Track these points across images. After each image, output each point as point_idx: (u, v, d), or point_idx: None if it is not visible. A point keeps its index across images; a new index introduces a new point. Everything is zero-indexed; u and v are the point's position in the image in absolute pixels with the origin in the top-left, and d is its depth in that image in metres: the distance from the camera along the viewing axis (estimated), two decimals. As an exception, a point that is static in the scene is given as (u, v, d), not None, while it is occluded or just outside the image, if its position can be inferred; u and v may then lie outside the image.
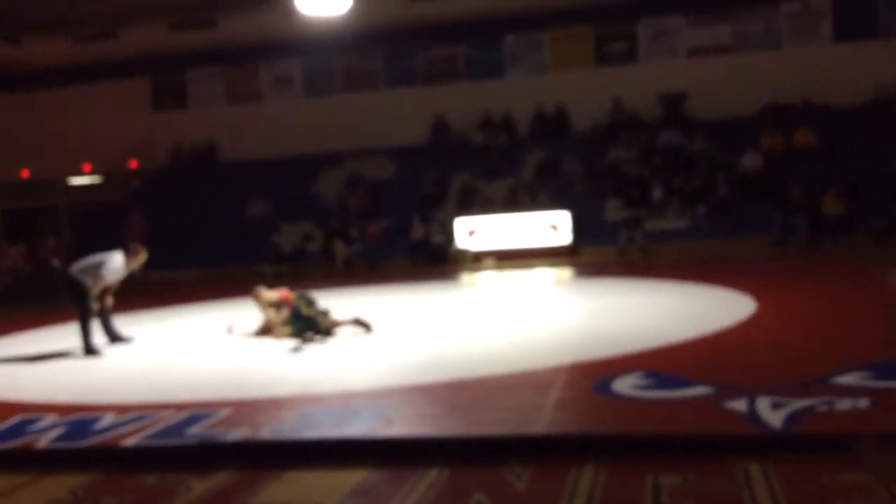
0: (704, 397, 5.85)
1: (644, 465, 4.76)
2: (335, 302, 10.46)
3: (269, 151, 23.16)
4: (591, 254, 18.52)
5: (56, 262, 20.22)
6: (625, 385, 6.36)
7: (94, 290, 9.91)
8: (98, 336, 10.14)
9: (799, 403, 5.45)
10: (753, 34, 21.77)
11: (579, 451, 5.02)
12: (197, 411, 6.49)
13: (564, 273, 16.53)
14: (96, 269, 9.91)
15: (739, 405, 5.52)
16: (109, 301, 10.33)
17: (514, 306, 11.94)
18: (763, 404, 5.48)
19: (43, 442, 6.06)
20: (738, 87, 20.78)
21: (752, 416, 5.32)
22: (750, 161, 19.51)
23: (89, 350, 9.85)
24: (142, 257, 10.33)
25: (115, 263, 10.00)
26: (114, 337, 10.43)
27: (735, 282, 11.73)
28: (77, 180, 24.62)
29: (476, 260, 19.15)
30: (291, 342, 9.61)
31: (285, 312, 10.06)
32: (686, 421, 5.41)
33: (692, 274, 13.38)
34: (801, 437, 4.96)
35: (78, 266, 10.06)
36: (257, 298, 10.35)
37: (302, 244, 20.90)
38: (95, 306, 10.02)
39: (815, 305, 9.90)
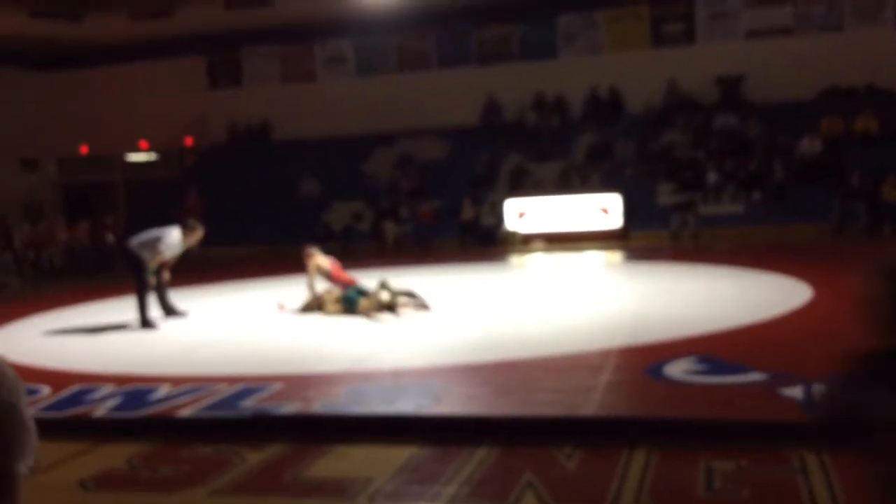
0: (759, 384, 5.77)
1: (697, 450, 4.71)
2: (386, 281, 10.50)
3: (322, 131, 23.26)
4: (642, 238, 18.32)
5: (111, 238, 20.61)
6: (677, 370, 6.29)
7: (152, 264, 10.11)
8: (154, 309, 10.33)
9: (857, 392, 5.34)
10: (815, 16, 21.21)
11: (631, 434, 4.98)
12: (250, 385, 6.59)
13: (614, 257, 16.39)
14: (154, 243, 10.10)
15: (795, 393, 5.43)
16: (166, 276, 10.51)
17: (563, 289, 11.87)
18: (819, 392, 5.37)
19: (100, 411, 6.21)
20: (797, 69, 20.28)
21: (809, 403, 5.23)
22: (808, 146, 19.09)
23: (145, 323, 10.04)
24: (199, 234, 10.48)
25: (173, 239, 10.18)
26: (169, 310, 10.61)
27: (791, 269, 11.51)
28: (134, 157, 25.01)
29: (525, 242, 19.07)
30: (340, 318, 9.71)
31: (336, 291, 10.13)
32: (740, 407, 5.34)
33: (746, 260, 13.16)
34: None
35: (137, 240, 10.26)
36: (308, 259, 10.40)
37: (352, 223, 21.02)
38: (152, 280, 10.21)
39: (873, 294, 9.66)
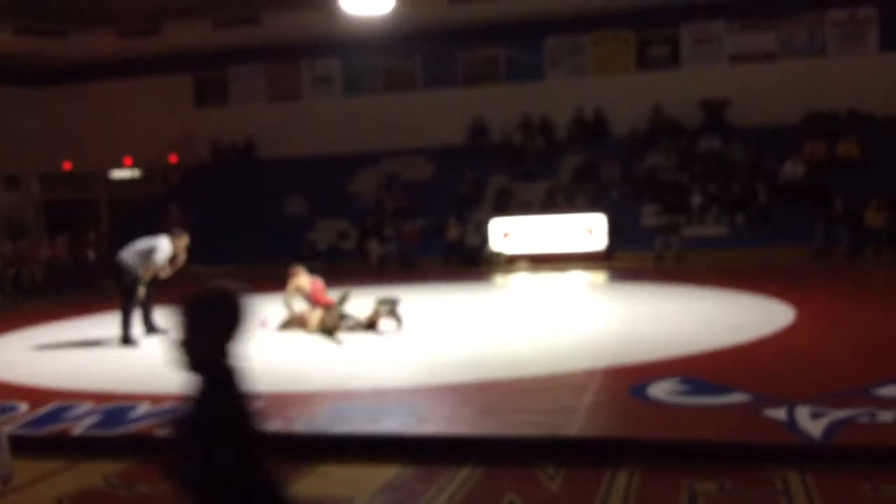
0: (742, 405, 5.76)
1: (680, 470, 4.70)
2: (368, 300, 10.47)
3: (308, 149, 23.25)
4: (627, 259, 18.37)
5: (92, 255, 20.46)
6: (661, 390, 6.28)
7: (146, 276, 10.15)
8: (136, 326, 10.25)
9: (839, 413, 5.35)
10: (798, 41, 21.46)
11: (614, 454, 4.96)
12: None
13: (599, 277, 16.42)
14: (147, 255, 10.18)
15: (778, 414, 5.43)
16: (141, 293, 10.41)
17: (547, 309, 11.87)
18: (802, 414, 5.38)
19: (79, 429, 6.13)
20: (780, 94, 20.49)
21: (792, 425, 5.23)
22: (791, 169, 19.23)
23: (126, 339, 9.97)
24: (184, 240, 10.60)
25: (164, 249, 10.25)
26: (151, 328, 10.54)
27: (774, 290, 11.56)
28: (118, 173, 24.90)
29: (510, 262, 19.08)
30: (322, 337, 9.67)
31: (318, 311, 10.10)
32: (723, 428, 5.33)
33: (730, 282, 13.21)
34: (841, 447, 4.86)
35: (128, 253, 10.26)
36: (293, 276, 10.40)
37: (337, 242, 20.97)
38: (142, 292, 10.19)
39: (855, 316, 9.72)
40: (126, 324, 10.03)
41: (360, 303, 10.29)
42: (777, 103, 20.32)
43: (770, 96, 20.47)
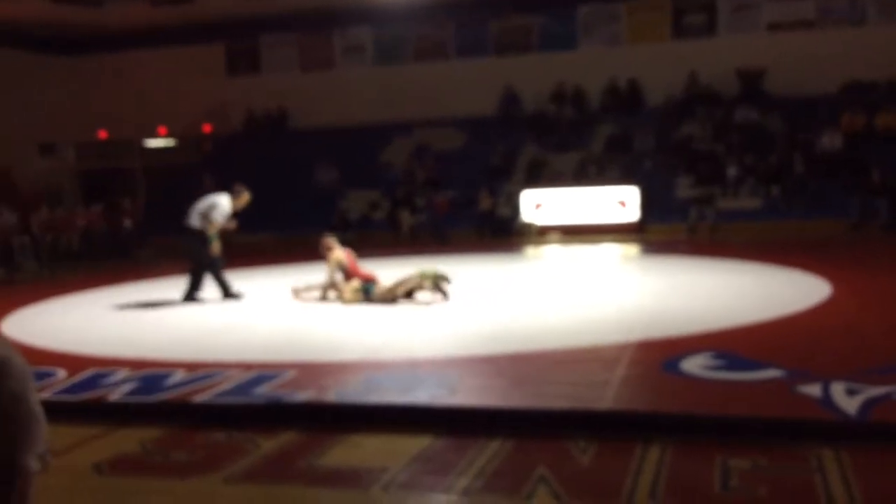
0: (776, 380, 5.71)
1: (713, 446, 4.67)
2: (401, 271, 10.49)
3: (339, 119, 23.23)
4: (660, 231, 18.22)
5: (128, 223, 20.69)
6: (694, 365, 6.24)
7: (212, 232, 10.34)
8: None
9: (875, 390, 5.29)
10: (837, 9, 20.97)
11: (646, 428, 4.95)
12: (264, 372, 6.59)
13: (631, 250, 16.31)
14: (207, 213, 10.42)
15: (813, 390, 5.38)
16: (215, 248, 10.65)
17: (579, 281, 11.82)
18: (838, 390, 5.32)
19: (115, 395, 6.22)
20: (819, 63, 20.08)
21: (827, 401, 5.17)
22: (829, 141, 18.91)
23: (228, 294, 10.63)
24: (245, 197, 10.80)
25: (223, 206, 10.48)
26: (192, 294, 10.74)
27: (810, 264, 11.41)
28: (152, 143, 25.07)
29: (541, 233, 19.01)
30: (357, 307, 9.72)
31: (356, 281, 10.11)
32: (757, 404, 5.29)
33: (765, 255, 13.06)
34: (877, 424, 4.81)
35: (191, 216, 10.57)
36: (328, 251, 10.38)
37: (368, 212, 21.01)
38: (216, 247, 10.43)
39: (893, 290, 9.57)
40: (221, 282, 10.64)
41: (398, 272, 10.30)
42: (815, 73, 19.92)
43: (808, 66, 20.06)
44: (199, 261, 10.59)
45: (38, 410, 1.07)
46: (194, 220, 10.54)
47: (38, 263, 18.25)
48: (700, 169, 18.99)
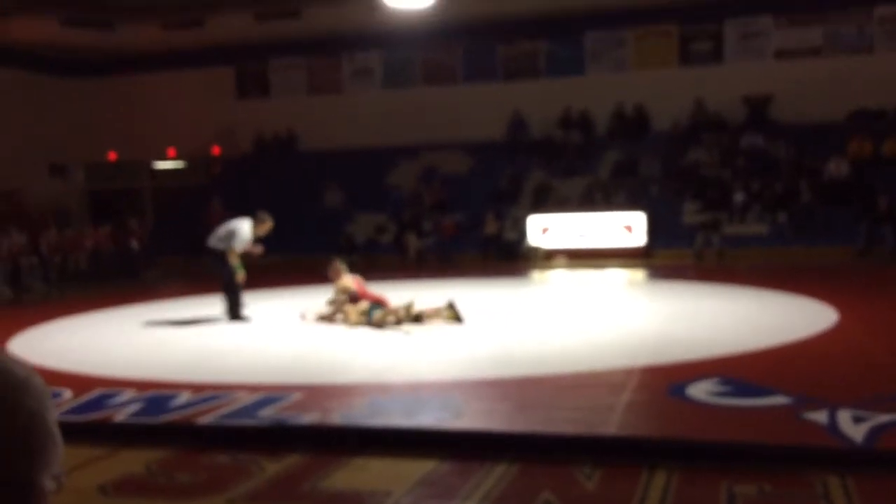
0: (783, 407, 5.70)
1: (719, 472, 4.66)
2: (407, 294, 10.51)
3: (347, 142, 23.36)
4: (666, 256, 18.22)
5: (135, 244, 20.75)
6: (700, 390, 6.23)
7: (232, 260, 10.37)
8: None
9: (882, 418, 5.27)
10: (845, 37, 21.08)
11: (652, 454, 4.93)
12: (270, 394, 6.59)
13: (637, 275, 16.30)
14: (228, 238, 10.45)
15: (819, 417, 5.36)
16: (239, 277, 10.78)
17: (585, 306, 11.82)
18: (844, 417, 5.31)
19: (121, 416, 6.23)
20: (826, 91, 20.15)
21: (833, 428, 5.16)
22: (836, 167, 18.93)
23: (235, 316, 10.59)
24: (268, 224, 10.80)
25: (244, 232, 10.51)
26: (236, 313, 10.88)
27: (816, 291, 11.39)
28: (161, 164, 25.23)
29: (547, 258, 19.02)
30: (363, 330, 9.71)
31: (364, 304, 10.11)
32: (763, 430, 5.27)
33: (771, 281, 13.04)
34: (884, 452, 4.79)
35: (215, 237, 10.70)
36: (335, 276, 10.40)
37: (375, 235, 21.06)
38: (241, 276, 10.48)
39: (900, 319, 9.54)
40: (233, 303, 10.65)
41: (403, 296, 10.31)
42: (822, 100, 19.99)
43: (815, 93, 20.13)
44: (226, 279, 10.69)
45: (56, 431, 1.09)
46: (215, 243, 10.68)
47: (47, 284, 18.30)
48: (707, 195, 19.02)
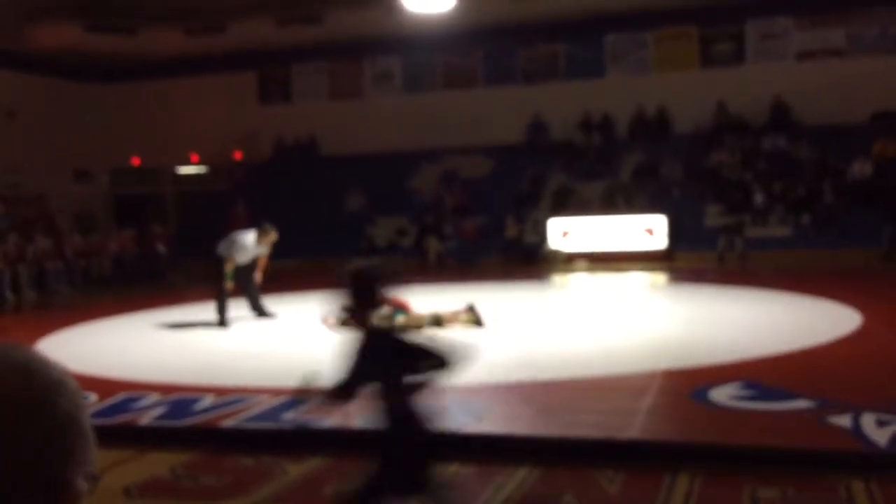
0: (806, 411, 5.67)
1: (742, 476, 4.64)
2: (427, 298, 10.53)
3: (368, 146, 23.43)
4: (688, 259, 18.13)
5: (161, 248, 20.94)
6: (723, 394, 6.21)
7: (227, 268, 10.51)
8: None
9: (907, 422, 5.23)
10: (867, 38, 20.90)
11: (674, 458, 4.93)
12: (292, 397, 6.62)
13: (659, 278, 16.24)
14: (228, 248, 10.61)
15: (843, 421, 5.33)
16: (258, 277, 11.09)
17: (606, 309, 11.79)
18: (868, 421, 5.27)
19: (145, 419, 6.30)
20: (848, 92, 19.98)
21: (857, 432, 5.13)
22: (859, 169, 18.78)
23: (222, 322, 10.75)
24: (272, 236, 10.96)
25: (245, 243, 10.68)
26: (260, 312, 11.00)
27: (840, 294, 11.30)
28: (184, 169, 25.41)
29: (568, 261, 18.99)
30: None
31: (386, 309, 10.13)
32: (786, 434, 5.25)
33: (794, 284, 12.95)
34: (909, 457, 4.76)
35: (221, 244, 10.95)
36: None
37: (396, 239, 21.11)
38: (229, 285, 10.60)
39: (926, 322, 9.45)
40: (220, 308, 10.80)
41: (423, 300, 10.33)
42: (845, 101, 19.81)
43: (837, 94, 19.96)
44: (242, 281, 10.87)
45: (90, 432, 1.12)
46: (220, 250, 10.91)
47: (72, 288, 18.49)
48: (729, 197, 18.92)
